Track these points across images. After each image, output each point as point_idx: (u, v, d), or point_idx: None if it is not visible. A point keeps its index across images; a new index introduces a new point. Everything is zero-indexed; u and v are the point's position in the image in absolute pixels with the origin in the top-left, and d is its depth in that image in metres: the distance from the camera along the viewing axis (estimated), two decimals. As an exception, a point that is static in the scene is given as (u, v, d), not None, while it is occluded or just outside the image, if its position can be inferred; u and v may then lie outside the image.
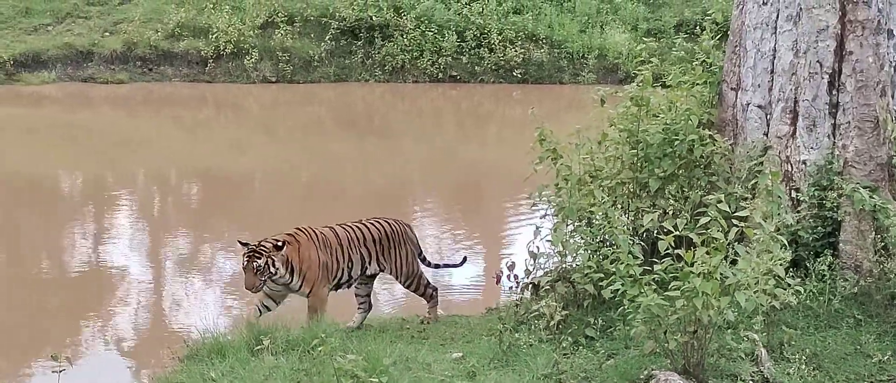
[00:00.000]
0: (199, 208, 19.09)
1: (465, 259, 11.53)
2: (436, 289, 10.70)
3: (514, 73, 30.13)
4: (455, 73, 30.11)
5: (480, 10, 30.76)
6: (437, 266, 11.23)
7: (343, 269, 9.98)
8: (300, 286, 9.69)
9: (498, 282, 9.84)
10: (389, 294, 13.20)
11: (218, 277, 14.44)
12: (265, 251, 9.39)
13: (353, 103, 28.70)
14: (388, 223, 10.31)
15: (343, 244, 9.95)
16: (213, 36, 29.23)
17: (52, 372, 8.30)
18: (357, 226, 10.15)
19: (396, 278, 10.46)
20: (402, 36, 29.91)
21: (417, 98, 29.27)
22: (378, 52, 29.90)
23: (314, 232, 9.89)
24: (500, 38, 30.25)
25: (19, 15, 29.87)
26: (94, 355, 11.52)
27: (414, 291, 10.62)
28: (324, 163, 21.95)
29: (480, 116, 28.32)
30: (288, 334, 9.18)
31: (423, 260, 10.78)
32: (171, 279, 14.52)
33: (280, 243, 9.43)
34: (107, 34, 29.38)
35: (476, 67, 30.16)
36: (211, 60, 29.21)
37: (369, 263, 10.15)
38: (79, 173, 21.32)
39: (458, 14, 30.63)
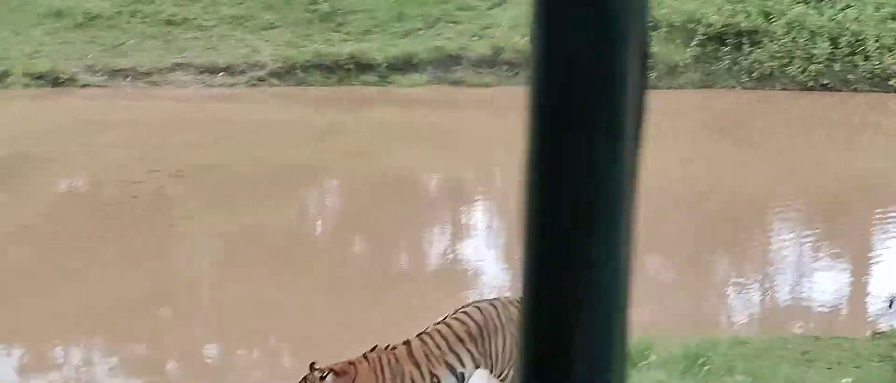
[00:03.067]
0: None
1: None
2: None
3: (890, 83, 28.64)
4: (826, 81, 28.90)
5: (856, 15, 29.44)
6: None
7: None
8: None
9: (891, 306, 9.27)
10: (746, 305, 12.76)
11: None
12: None
13: (719, 110, 28.08)
14: (479, 310, 8.64)
15: (419, 362, 8.40)
16: (577, 41, 29.30)
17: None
18: (436, 330, 8.56)
19: (491, 372, 8.63)
20: (771, 42, 29.03)
21: (786, 106, 28.27)
22: (745, 59, 29.11)
23: (379, 358, 8.32)
24: (876, 45, 28.81)
25: (393, 19, 30.92)
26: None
27: None
28: (688, 169, 21.50)
29: (853, 126, 27.09)
30: (670, 348, 8.88)
31: None
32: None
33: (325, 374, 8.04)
34: (475, 38, 29.98)
35: (849, 76, 28.85)
36: (575, 65, 29.31)
37: (464, 366, 8.49)
38: (443, 174, 21.84)
39: (832, 20, 29.44)
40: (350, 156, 22.41)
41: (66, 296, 13.65)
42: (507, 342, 8.39)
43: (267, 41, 29.64)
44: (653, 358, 8.51)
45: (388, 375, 8.18)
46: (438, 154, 23.17)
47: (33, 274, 14.49)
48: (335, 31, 30.18)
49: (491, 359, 8.46)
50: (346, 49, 28.89)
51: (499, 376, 8.48)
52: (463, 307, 8.73)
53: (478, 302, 8.73)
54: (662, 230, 17.12)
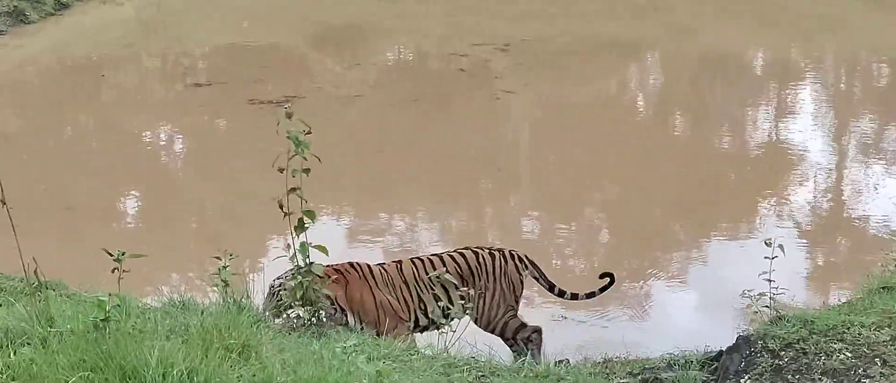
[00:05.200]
0: (889, 93, 18.50)
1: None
2: (534, 342, 8.30)
3: None
4: None
5: None
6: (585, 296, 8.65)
7: (414, 311, 8.11)
8: (362, 328, 7.81)
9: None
10: None
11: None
12: (284, 278, 7.79)
13: None
14: (476, 255, 8.29)
15: (408, 282, 8.13)
16: None
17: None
18: (429, 260, 8.27)
19: (476, 322, 8.29)
20: None
21: None
22: None
23: (370, 269, 8.16)
24: None
25: None
26: (771, 233, 10.35)
27: (501, 337, 8.35)
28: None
29: None
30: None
31: (551, 288, 8.50)
32: (850, 166, 14.23)
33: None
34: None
35: None
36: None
37: (451, 304, 8.08)
38: (768, 50, 21.46)
39: None
40: (673, 32, 22.34)
41: (391, 164, 14.37)
42: (497, 295, 8.22)
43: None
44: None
45: (378, 281, 8.04)
46: (764, 31, 22.72)
47: (361, 140, 15.19)
48: None
49: (478, 308, 8.20)
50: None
51: (485, 328, 8.27)
52: (460, 248, 8.45)
53: (477, 247, 8.41)
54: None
